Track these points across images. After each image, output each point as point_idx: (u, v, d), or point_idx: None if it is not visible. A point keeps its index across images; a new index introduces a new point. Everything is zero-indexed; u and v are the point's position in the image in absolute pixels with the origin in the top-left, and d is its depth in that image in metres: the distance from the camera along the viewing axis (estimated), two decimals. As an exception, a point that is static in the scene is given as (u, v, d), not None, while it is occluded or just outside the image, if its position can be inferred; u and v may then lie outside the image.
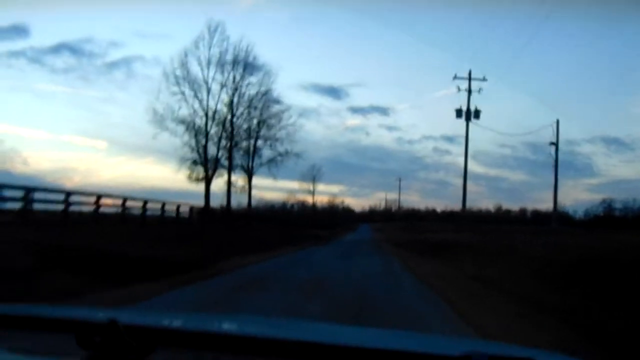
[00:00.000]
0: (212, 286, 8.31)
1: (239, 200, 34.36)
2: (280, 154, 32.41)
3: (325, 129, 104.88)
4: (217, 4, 47.94)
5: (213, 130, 29.82)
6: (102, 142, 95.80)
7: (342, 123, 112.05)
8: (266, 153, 32.66)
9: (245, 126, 31.37)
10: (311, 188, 63.22)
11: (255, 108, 31.40)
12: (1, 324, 1.37)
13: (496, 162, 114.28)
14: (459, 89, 31.69)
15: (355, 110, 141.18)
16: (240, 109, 30.69)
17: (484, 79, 31.68)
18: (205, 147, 29.21)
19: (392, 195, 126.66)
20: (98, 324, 1.08)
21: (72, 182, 63.43)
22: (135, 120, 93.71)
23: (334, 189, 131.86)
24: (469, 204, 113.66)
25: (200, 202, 29.59)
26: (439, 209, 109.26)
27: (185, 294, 7.19)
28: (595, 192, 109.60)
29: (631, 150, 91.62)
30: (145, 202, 20.58)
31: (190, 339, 1.27)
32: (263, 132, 32.21)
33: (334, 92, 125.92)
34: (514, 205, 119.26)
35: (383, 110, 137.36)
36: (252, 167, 32.40)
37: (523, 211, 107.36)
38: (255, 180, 34.10)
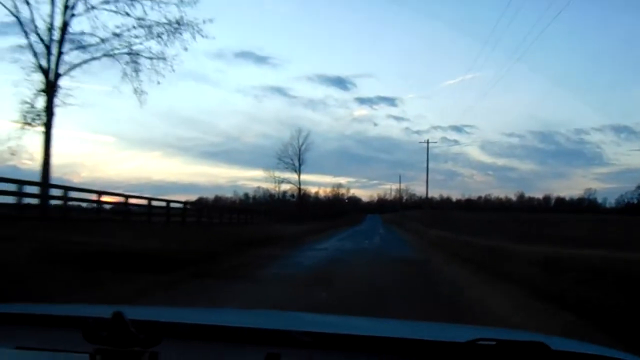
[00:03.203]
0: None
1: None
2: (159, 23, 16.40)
3: (333, 121, 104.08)
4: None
5: None
6: (109, 137, 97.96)
7: (350, 114, 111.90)
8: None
9: None
10: (297, 177, 53.20)
11: None
12: (10, 322, 1.41)
13: (504, 151, 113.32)
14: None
15: (363, 101, 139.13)
16: None
17: None
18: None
19: (398, 186, 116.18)
20: (104, 318, 1.05)
21: (79, 177, 66.67)
22: (142, 114, 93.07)
23: (341, 180, 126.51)
24: (478, 194, 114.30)
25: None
26: (453, 198, 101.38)
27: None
28: (604, 182, 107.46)
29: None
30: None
31: (194, 331, 1.28)
32: None
33: (341, 82, 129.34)
34: (536, 193, 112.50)
35: (391, 101, 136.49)
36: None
37: (547, 199, 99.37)
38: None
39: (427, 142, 44.52)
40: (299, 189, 54.80)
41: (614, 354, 1.24)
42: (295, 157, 53.25)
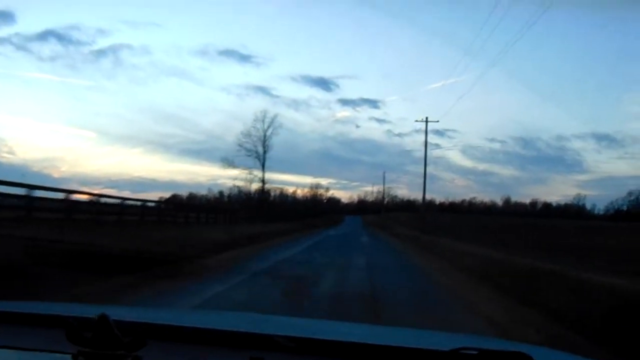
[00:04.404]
0: None
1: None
2: None
3: (315, 121, 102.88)
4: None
5: None
6: (90, 132, 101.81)
7: (332, 115, 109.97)
8: None
9: None
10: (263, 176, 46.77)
11: None
12: None
13: (485, 156, 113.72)
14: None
15: (346, 102, 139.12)
16: None
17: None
18: None
19: (380, 188, 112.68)
20: (88, 319, 1.03)
21: (59, 172, 64.43)
22: (123, 109, 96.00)
23: (322, 181, 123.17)
24: (460, 198, 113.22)
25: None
26: (436, 201, 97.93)
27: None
28: (584, 189, 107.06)
29: (621, 147, 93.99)
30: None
31: (179, 334, 1.27)
32: None
33: (324, 83, 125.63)
34: (520, 198, 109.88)
35: (373, 103, 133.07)
36: None
37: (534, 204, 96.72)
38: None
39: (426, 120, 35.97)
40: (263, 181, 45.05)
41: None
42: (260, 142, 43.84)
